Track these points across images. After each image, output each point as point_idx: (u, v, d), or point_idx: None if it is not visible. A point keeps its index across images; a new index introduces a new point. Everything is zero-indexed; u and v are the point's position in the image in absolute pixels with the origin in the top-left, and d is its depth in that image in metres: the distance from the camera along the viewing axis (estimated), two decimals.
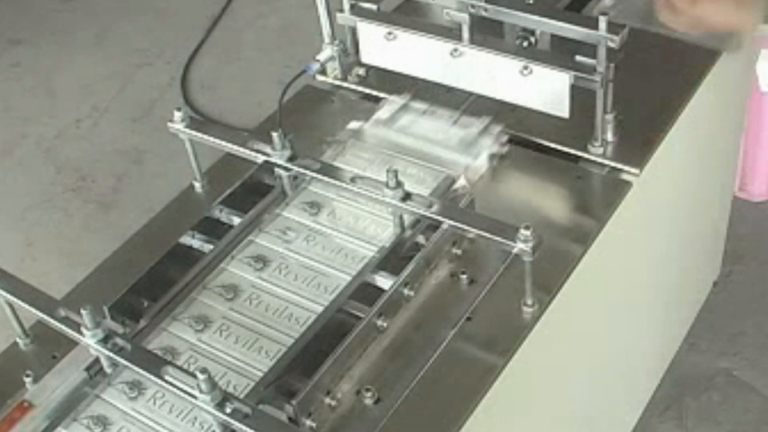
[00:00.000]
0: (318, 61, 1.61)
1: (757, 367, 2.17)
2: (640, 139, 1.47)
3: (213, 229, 1.38)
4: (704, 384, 2.15)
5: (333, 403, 1.15)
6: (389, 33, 1.47)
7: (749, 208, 2.48)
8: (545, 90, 1.38)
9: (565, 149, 1.47)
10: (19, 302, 1.19)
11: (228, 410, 1.02)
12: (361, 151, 1.49)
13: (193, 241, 1.36)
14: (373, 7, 1.52)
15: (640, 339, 1.88)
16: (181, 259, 1.33)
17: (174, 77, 3.27)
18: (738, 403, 2.11)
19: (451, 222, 1.25)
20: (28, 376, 1.20)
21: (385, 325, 1.21)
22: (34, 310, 1.17)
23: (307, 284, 1.29)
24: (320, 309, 1.23)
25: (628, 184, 1.43)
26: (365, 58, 1.54)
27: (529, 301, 1.24)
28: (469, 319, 1.24)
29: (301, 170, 1.36)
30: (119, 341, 1.11)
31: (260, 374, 1.16)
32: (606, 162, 1.45)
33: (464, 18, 1.41)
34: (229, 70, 3.30)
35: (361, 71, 1.64)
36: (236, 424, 1.01)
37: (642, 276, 1.75)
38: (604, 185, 1.44)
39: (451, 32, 1.44)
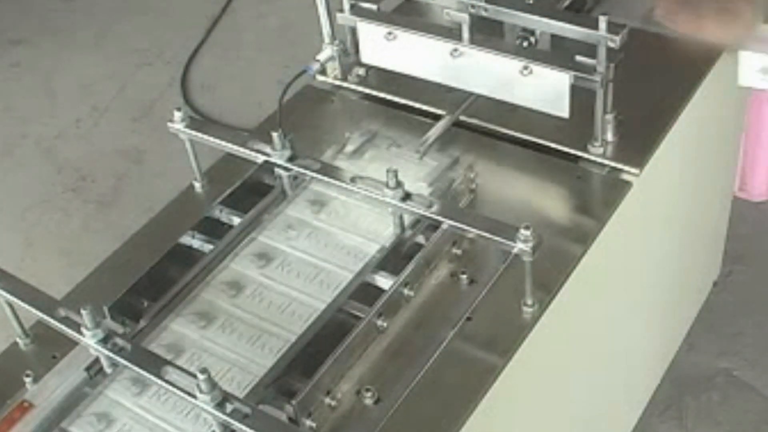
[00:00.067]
0: (318, 61, 1.61)
1: (757, 367, 2.17)
2: (640, 139, 1.47)
3: (213, 229, 1.38)
4: (704, 384, 2.15)
5: (333, 403, 1.15)
6: (389, 33, 1.47)
7: (749, 208, 2.48)
8: (545, 90, 1.38)
9: (565, 149, 1.47)
10: (19, 302, 1.19)
11: (228, 410, 1.02)
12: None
13: (193, 241, 1.36)
14: (373, 7, 1.52)
15: (640, 339, 1.88)
16: (181, 259, 1.33)
17: (174, 77, 3.27)
18: (738, 403, 2.11)
19: (451, 222, 1.25)
20: (28, 376, 1.20)
21: (385, 325, 1.21)
22: (34, 310, 1.17)
23: (309, 281, 1.29)
24: (322, 306, 1.24)
25: (628, 184, 1.43)
26: (365, 58, 1.54)
27: (529, 301, 1.24)
28: (469, 319, 1.24)
29: (301, 170, 1.36)
30: (119, 341, 1.11)
31: (264, 370, 1.16)
32: (606, 162, 1.45)
33: (464, 18, 1.41)
34: (229, 70, 3.30)
35: (361, 71, 1.64)
36: (236, 424, 1.01)
37: (642, 276, 1.75)
38: (604, 185, 1.44)
39: (451, 32, 1.44)
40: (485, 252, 1.31)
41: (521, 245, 1.18)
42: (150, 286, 1.28)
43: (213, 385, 1.02)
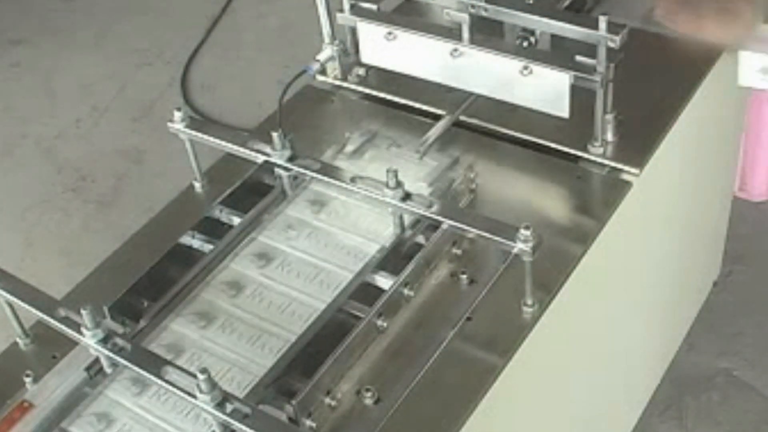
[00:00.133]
0: (318, 61, 1.61)
1: (757, 367, 2.17)
2: (640, 139, 1.47)
3: (213, 229, 1.38)
4: (704, 384, 2.15)
5: (333, 403, 1.15)
6: (389, 33, 1.47)
7: (749, 208, 2.48)
8: (545, 90, 1.37)
9: (565, 149, 1.47)
10: (19, 302, 1.19)
11: (228, 410, 1.02)
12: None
13: (193, 241, 1.36)
14: (373, 7, 1.52)
15: (640, 339, 1.88)
16: (181, 259, 1.33)
17: (174, 77, 3.28)
18: (738, 403, 2.11)
19: (451, 222, 1.25)
20: (28, 376, 1.20)
21: (385, 325, 1.21)
22: (34, 310, 1.17)
23: (309, 281, 1.29)
24: (322, 306, 1.24)
25: (628, 184, 1.43)
26: (365, 58, 1.54)
27: (529, 301, 1.24)
28: (469, 319, 1.24)
29: (301, 170, 1.36)
30: (119, 341, 1.11)
31: (263, 370, 1.16)
32: (606, 162, 1.45)
33: (464, 18, 1.41)
34: (229, 70, 3.30)
35: (361, 71, 1.64)
36: (236, 424, 1.01)
37: (642, 276, 1.75)
38: (604, 185, 1.44)
39: (451, 32, 1.44)
40: (485, 252, 1.31)
41: (521, 245, 1.18)
42: (150, 286, 1.28)
43: (213, 385, 1.02)
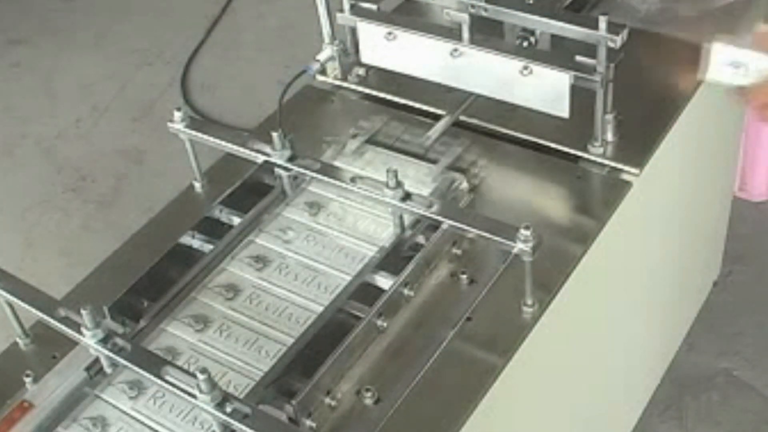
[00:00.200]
0: (318, 61, 1.61)
1: (757, 367, 2.17)
2: (640, 139, 1.47)
3: (213, 229, 1.38)
4: (704, 384, 2.15)
5: (333, 403, 1.15)
6: (389, 33, 1.47)
7: (749, 208, 2.48)
8: (545, 90, 1.37)
9: (565, 149, 1.47)
10: (19, 302, 1.19)
11: (228, 410, 1.02)
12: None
13: (193, 241, 1.36)
14: (373, 7, 1.52)
15: (640, 339, 1.88)
16: (181, 259, 1.33)
17: (174, 77, 3.28)
18: (738, 403, 2.11)
19: (451, 222, 1.25)
20: (28, 376, 1.20)
21: (385, 325, 1.21)
22: (34, 310, 1.17)
23: (307, 284, 1.29)
24: (320, 309, 1.24)
25: (628, 184, 1.43)
26: (365, 58, 1.54)
27: (529, 301, 1.24)
28: (469, 319, 1.24)
29: (301, 170, 1.36)
30: (119, 341, 1.11)
31: (260, 374, 1.16)
32: (606, 162, 1.45)
33: (464, 18, 1.41)
34: (229, 70, 3.30)
35: (361, 71, 1.64)
36: (236, 424, 1.01)
37: (642, 276, 1.75)
38: (604, 185, 1.44)
39: (451, 32, 1.44)
40: (485, 252, 1.31)
41: (521, 245, 1.18)
42: (150, 286, 1.28)
43: (213, 385, 1.02)
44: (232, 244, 1.35)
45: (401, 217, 1.31)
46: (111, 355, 1.10)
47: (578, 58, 1.36)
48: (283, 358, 1.16)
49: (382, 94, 1.61)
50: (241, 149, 1.40)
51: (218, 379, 1.17)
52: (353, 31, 1.55)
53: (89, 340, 1.11)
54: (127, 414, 1.16)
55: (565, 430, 1.62)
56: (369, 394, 1.15)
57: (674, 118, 1.51)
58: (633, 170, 1.43)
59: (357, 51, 1.57)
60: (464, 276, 1.29)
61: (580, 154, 1.46)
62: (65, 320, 1.14)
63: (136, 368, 1.09)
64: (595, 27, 1.32)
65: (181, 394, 1.05)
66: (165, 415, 1.15)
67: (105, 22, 3.59)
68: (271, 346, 1.21)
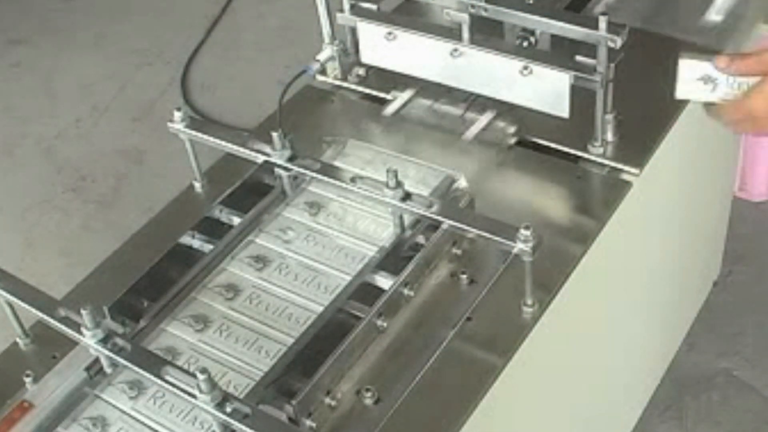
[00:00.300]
0: (318, 61, 1.61)
1: (757, 367, 2.17)
2: (640, 139, 1.47)
3: (213, 229, 1.38)
4: (704, 384, 2.15)
5: (333, 403, 1.15)
6: (389, 33, 1.47)
7: (749, 208, 2.48)
8: (545, 90, 1.38)
9: (565, 149, 1.47)
10: (19, 302, 1.19)
11: (228, 410, 1.02)
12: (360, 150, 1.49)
13: (193, 241, 1.36)
14: (373, 7, 1.52)
15: (640, 339, 1.88)
16: (181, 259, 1.33)
17: (174, 77, 3.28)
18: (738, 403, 2.11)
19: (451, 222, 1.25)
20: (28, 376, 1.20)
21: (385, 325, 1.20)
22: (34, 310, 1.17)
23: (307, 284, 1.29)
24: (320, 309, 1.23)
25: (628, 184, 1.43)
26: (365, 58, 1.54)
27: (529, 301, 1.24)
28: (469, 319, 1.24)
29: (301, 170, 1.35)
30: (119, 341, 1.11)
31: (260, 374, 1.16)
32: (606, 162, 1.45)
33: (464, 18, 1.41)
34: (229, 70, 3.30)
35: (361, 71, 1.64)
36: (236, 424, 1.01)
37: (642, 276, 1.75)
38: (604, 185, 1.44)
39: (451, 32, 1.44)
40: (485, 252, 1.31)
41: (521, 245, 1.17)
42: (150, 286, 1.28)
43: (213, 385, 1.02)
44: (232, 244, 1.35)
45: (401, 217, 1.31)
46: (111, 355, 1.10)
47: (578, 58, 1.36)
48: (283, 358, 1.16)
49: (382, 94, 1.61)
50: (241, 149, 1.40)
51: (218, 379, 1.17)
52: (353, 31, 1.55)
53: (89, 340, 1.11)
54: (127, 414, 1.16)
55: (565, 430, 1.62)
56: (369, 394, 1.15)
57: (674, 118, 1.51)
58: (633, 170, 1.43)
59: (357, 51, 1.57)
60: (464, 276, 1.29)
61: (580, 154, 1.46)
62: (65, 320, 1.14)
63: (136, 368, 1.09)
64: (595, 27, 1.32)
65: (181, 394, 1.05)
66: (165, 415, 1.15)
67: (105, 22, 3.59)
68: (271, 346, 1.21)
